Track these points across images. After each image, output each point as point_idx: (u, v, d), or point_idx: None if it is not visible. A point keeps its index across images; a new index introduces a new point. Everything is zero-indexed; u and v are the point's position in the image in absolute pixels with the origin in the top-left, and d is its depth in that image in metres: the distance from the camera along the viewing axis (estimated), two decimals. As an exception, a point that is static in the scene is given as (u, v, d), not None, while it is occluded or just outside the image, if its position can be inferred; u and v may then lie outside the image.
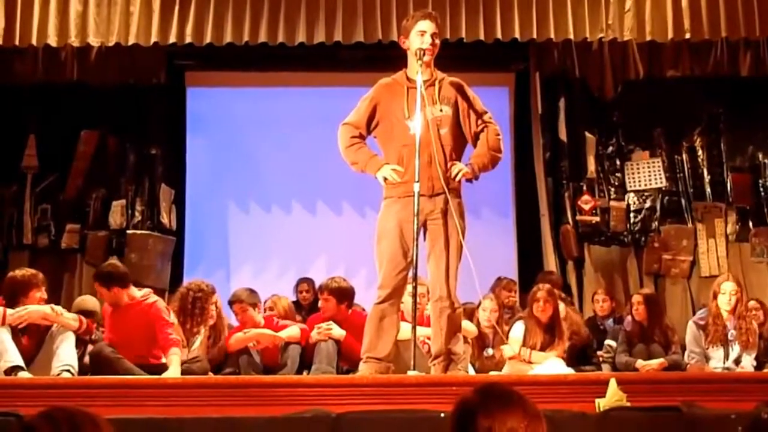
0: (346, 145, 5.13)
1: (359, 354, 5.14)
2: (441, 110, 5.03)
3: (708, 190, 9.04)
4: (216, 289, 6.52)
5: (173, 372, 5.52)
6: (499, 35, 7.95)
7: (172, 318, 6.05)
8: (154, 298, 6.02)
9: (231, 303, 6.60)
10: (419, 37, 5.02)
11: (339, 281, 6.69)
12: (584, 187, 9.05)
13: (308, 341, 6.39)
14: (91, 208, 8.84)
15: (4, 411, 4.03)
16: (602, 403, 4.23)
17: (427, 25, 5.03)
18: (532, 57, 9.13)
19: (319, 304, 6.78)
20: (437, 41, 5.07)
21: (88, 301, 6.96)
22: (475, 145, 5.16)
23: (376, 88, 5.19)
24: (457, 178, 5.00)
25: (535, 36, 7.99)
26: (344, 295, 6.61)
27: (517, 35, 7.96)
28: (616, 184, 9.13)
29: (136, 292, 6.03)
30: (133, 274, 6.54)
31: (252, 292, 6.70)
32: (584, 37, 8.12)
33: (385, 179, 5.01)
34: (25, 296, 5.71)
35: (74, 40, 7.87)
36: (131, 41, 7.86)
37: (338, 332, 6.37)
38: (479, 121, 5.11)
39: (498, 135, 5.15)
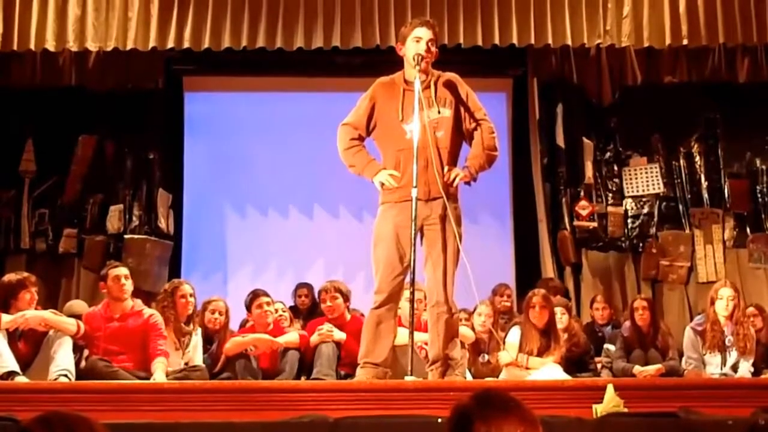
0: (345, 147, 5.13)
1: (359, 358, 5.15)
2: (439, 112, 5.02)
3: (705, 196, 9.04)
4: (193, 287, 6.53)
5: (158, 378, 5.57)
6: (496, 41, 7.96)
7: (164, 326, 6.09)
8: (150, 310, 6.11)
9: (255, 296, 6.59)
10: (415, 43, 5.01)
11: (340, 282, 6.75)
12: (582, 193, 9.04)
13: (307, 346, 6.39)
14: (89, 213, 8.83)
15: (1, 416, 4.03)
16: (599, 409, 4.23)
17: (423, 32, 5.03)
18: (530, 63, 9.13)
19: (323, 305, 6.77)
20: (433, 48, 5.05)
21: (77, 305, 6.97)
22: (470, 144, 5.15)
23: (374, 86, 5.19)
24: (455, 183, 5.00)
25: (532, 42, 8.00)
26: (348, 295, 6.67)
27: (514, 41, 7.97)
28: (614, 189, 9.13)
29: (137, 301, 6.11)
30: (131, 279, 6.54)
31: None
32: (582, 43, 8.14)
33: (382, 185, 5.01)
34: (15, 299, 5.74)
35: (72, 45, 7.87)
36: (129, 46, 7.87)
37: (339, 335, 6.38)
38: (471, 120, 5.11)
39: (492, 133, 5.12)
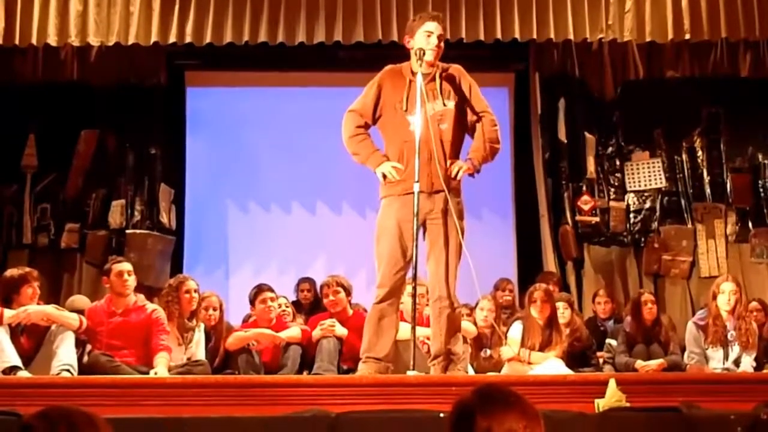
0: (350, 135, 5.12)
1: (361, 353, 5.15)
2: (444, 105, 5.03)
3: (708, 190, 9.03)
4: (197, 283, 6.51)
5: (160, 372, 5.56)
6: (499, 35, 7.95)
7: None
8: (153, 305, 6.11)
9: (260, 290, 6.59)
10: (425, 37, 5.02)
11: (342, 276, 6.76)
12: (584, 188, 9.04)
13: (309, 341, 6.40)
14: (91, 208, 8.83)
15: (3, 410, 4.03)
16: (602, 404, 4.23)
17: (434, 27, 5.04)
18: (532, 57, 9.12)
19: (325, 300, 6.78)
20: (442, 44, 5.07)
21: (79, 300, 6.98)
22: (473, 136, 5.15)
23: (382, 73, 5.20)
24: (459, 177, 5.00)
25: (534, 36, 7.99)
26: (350, 289, 6.69)
27: (517, 35, 7.96)
28: (616, 184, 9.12)
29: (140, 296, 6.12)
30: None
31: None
32: (584, 38, 8.11)
33: (384, 177, 5.00)
34: (17, 293, 5.75)
35: (74, 40, 7.86)
36: (131, 41, 7.86)
37: (341, 330, 6.38)
38: (474, 112, 5.10)
39: (495, 125, 5.13)
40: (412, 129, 4.94)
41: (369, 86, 5.17)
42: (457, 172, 4.98)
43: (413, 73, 5.05)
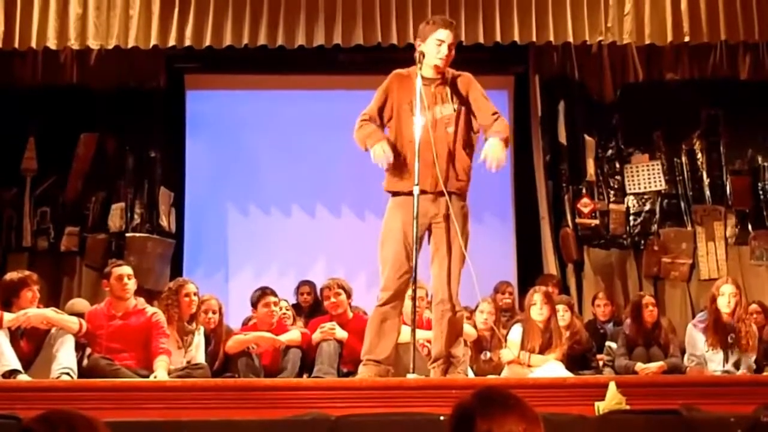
0: (357, 128, 5.11)
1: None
2: (454, 110, 5.03)
3: (707, 193, 9.03)
4: (197, 286, 6.50)
5: (159, 376, 5.57)
6: (498, 38, 7.95)
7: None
8: (153, 308, 6.11)
9: (263, 294, 6.58)
10: (436, 46, 5.01)
11: (342, 279, 6.76)
12: (584, 190, 9.04)
13: (309, 344, 6.39)
14: (91, 211, 8.83)
15: (3, 414, 4.03)
16: (601, 407, 4.23)
17: (446, 35, 5.02)
18: (532, 60, 9.13)
19: (326, 302, 6.77)
20: (453, 51, 5.06)
21: (79, 304, 6.98)
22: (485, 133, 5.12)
23: (390, 77, 5.19)
24: (501, 166, 4.90)
25: (534, 39, 7.99)
26: (350, 292, 6.69)
27: (516, 38, 7.96)
28: (616, 187, 9.12)
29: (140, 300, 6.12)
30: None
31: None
32: (583, 40, 8.12)
33: (386, 167, 4.99)
34: (16, 297, 5.75)
35: (74, 43, 7.87)
36: (131, 44, 7.86)
37: (341, 333, 6.38)
38: (485, 118, 5.07)
39: (507, 127, 5.12)
40: (420, 130, 4.95)
41: (377, 91, 5.18)
42: (495, 162, 4.89)
43: (422, 77, 5.05)
